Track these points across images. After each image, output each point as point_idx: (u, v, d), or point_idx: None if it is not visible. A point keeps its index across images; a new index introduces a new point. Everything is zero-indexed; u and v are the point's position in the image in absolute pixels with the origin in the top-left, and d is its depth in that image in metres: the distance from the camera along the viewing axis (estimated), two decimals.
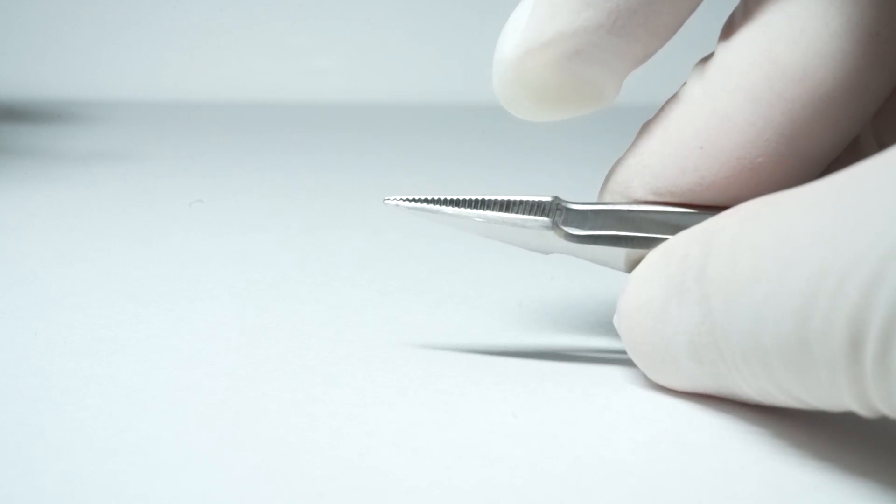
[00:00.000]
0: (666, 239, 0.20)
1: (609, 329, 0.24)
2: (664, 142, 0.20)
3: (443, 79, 0.64)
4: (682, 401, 0.20)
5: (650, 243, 0.21)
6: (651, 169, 0.21)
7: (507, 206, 0.21)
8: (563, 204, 0.21)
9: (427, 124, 0.57)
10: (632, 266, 0.21)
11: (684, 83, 0.21)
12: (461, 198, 0.21)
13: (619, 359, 0.22)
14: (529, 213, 0.21)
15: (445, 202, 0.21)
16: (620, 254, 0.21)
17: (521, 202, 0.21)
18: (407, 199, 0.21)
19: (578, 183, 0.41)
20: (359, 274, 0.28)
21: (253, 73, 0.64)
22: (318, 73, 0.64)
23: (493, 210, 0.21)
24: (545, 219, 0.21)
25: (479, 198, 0.21)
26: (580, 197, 0.22)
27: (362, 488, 0.17)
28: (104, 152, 0.47)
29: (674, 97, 0.21)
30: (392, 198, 0.22)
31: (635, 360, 0.21)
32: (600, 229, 0.21)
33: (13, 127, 0.53)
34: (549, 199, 0.21)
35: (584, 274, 0.28)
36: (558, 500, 0.17)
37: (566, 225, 0.21)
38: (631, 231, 0.21)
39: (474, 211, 0.21)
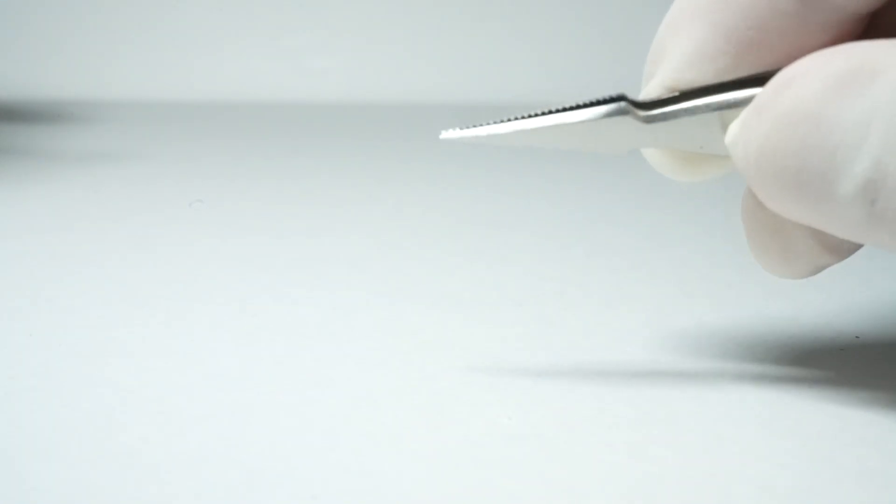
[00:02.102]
0: (747, 96, 0.19)
1: (606, 330, 0.24)
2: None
3: (443, 79, 0.64)
4: (677, 403, 0.20)
5: (741, 103, 0.19)
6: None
7: (575, 108, 0.19)
8: (632, 98, 0.20)
9: (427, 124, 0.57)
10: (726, 127, 0.19)
11: None
12: (522, 114, 0.20)
13: (614, 360, 0.22)
14: (600, 105, 0.19)
15: (508, 120, 0.20)
16: (713, 120, 0.19)
17: (589, 102, 0.19)
18: (465, 129, 0.20)
19: (580, 183, 0.41)
20: (355, 275, 0.28)
21: (253, 73, 0.64)
22: (318, 73, 0.64)
23: (562, 112, 0.19)
24: (620, 103, 0.19)
25: (543, 110, 0.19)
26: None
27: (356, 490, 0.17)
28: (104, 152, 0.47)
29: None
30: (448, 132, 0.20)
31: (760, 172, 0.18)
32: (676, 105, 0.19)
33: (12, 127, 0.53)
34: (616, 94, 0.19)
35: (581, 274, 0.28)
36: (553, 503, 0.17)
37: (640, 109, 0.19)
38: (709, 96, 0.19)
39: (543, 118, 0.19)
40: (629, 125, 0.19)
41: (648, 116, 0.19)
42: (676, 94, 0.19)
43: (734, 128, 0.19)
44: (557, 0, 0.66)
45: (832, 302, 0.26)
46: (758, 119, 0.18)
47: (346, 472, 0.17)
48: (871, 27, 0.19)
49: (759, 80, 0.19)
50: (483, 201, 0.38)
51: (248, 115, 0.58)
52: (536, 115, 0.20)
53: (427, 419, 0.19)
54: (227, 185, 0.41)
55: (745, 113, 0.18)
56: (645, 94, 0.20)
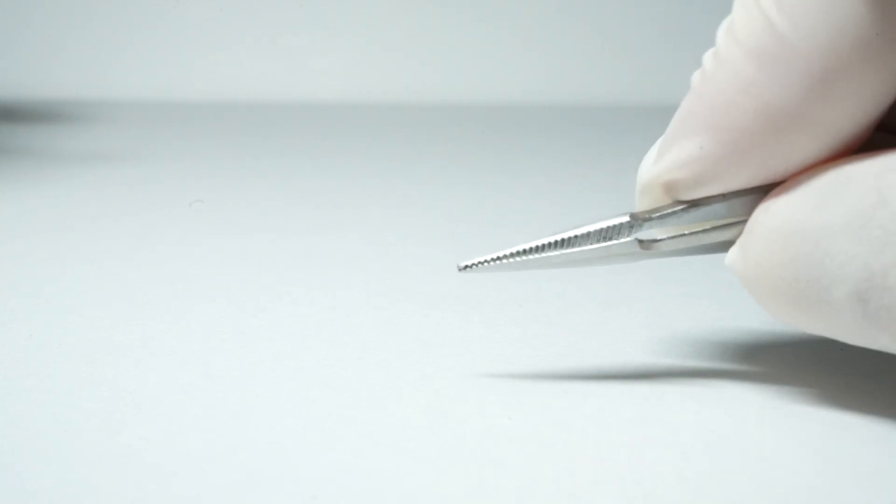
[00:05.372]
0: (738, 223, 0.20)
1: (606, 330, 0.24)
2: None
3: (443, 79, 0.64)
4: (676, 404, 0.20)
5: (739, 224, 0.20)
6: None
7: (586, 238, 0.21)
8: (640, 216, 0.20)
9: (427, 124, 0.57)
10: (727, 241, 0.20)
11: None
12: (535, 244, 0.21)
13: (614, 360, 0.22)
14: (610, 240, 0.21)
15: (522, 253, 0.21)
16: (714, 238, 0.20)
17: (598, 231, 0.21)
18: (482, 262, 0.21)
19: (580, 183, 0.41)
20: (354, 275, 0.28)
21: (253, 73, 0.64)
22: (318, 73, 0.64)
23: (574, 247, 0.21)
24: (629, 240, 0.21)
25: (556, 239, 0.21)
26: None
27: (356, 490, 0.17)
28: (104, 152, 0.47)
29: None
30: (465, 264, 0.22)
31: (760, 287, 0.19)
32: (684, 228, 0.20)
33: (12, 127, 0.53)
34: (625, 218, 0.20)
35: (581, 275, 0.28)
36: (553, 503, 0.17)
37: (648, 233, 0.21)
38: (711, 221, 0.20)
39: (556, 252, 0.21)
40: (638, 250, 0.21)
41: (653, 244, 0.21)
42: (680, 207, 0.20)
43: (734, 251, 0.20)
44: (557, 1, 0.66)
45: None
46: (750, 239, 0.19)
47: (346, 472, 0.17)
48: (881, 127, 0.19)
49: (763, 191, 0.19)
50: (483, 201, 0.38)
51: (248, 115, 0.58)
52: (548, 245, 0.21)
53: (427, 419, 0.19)
54: (227, 185, 0.41)
55: (741, 238, 0.20)
56: (648, 202, 0.20)
